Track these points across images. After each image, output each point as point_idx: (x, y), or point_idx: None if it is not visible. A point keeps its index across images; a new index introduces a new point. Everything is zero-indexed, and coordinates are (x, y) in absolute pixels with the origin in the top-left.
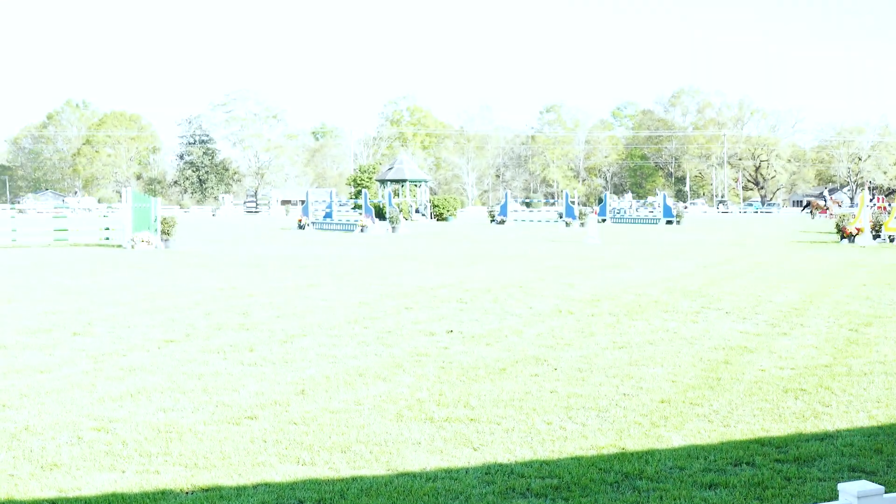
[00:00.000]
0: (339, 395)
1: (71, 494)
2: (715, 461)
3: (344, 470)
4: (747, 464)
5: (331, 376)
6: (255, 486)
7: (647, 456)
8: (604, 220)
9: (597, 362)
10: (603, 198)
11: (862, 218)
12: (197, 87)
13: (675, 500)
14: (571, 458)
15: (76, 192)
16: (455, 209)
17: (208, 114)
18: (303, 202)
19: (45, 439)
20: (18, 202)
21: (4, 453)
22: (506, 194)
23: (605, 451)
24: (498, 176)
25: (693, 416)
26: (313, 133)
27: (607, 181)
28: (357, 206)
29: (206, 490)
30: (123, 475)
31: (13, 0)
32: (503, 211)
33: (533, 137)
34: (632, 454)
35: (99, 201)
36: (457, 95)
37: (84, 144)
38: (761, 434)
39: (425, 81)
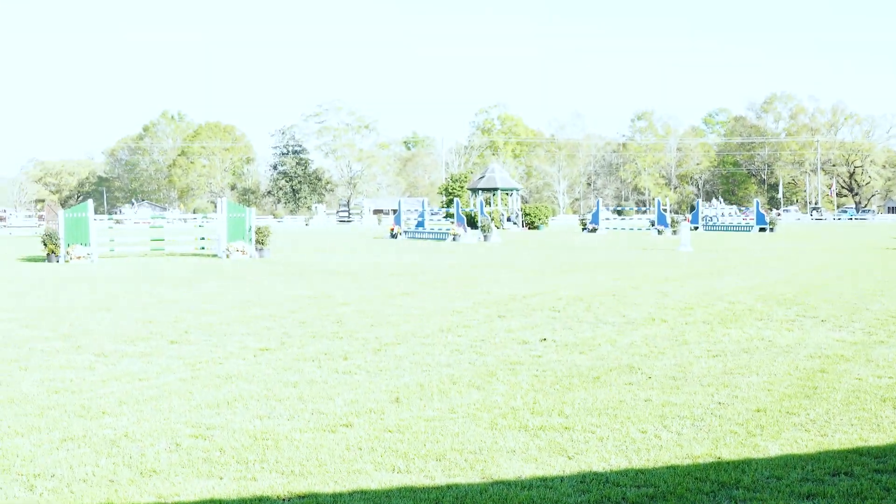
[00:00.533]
0: (434, 404)
1: (170, 500)
2: (812, 471)
3: (439, 478)
4: (845, 474)
5: (425, 384)
6: (351, 494)
7: (743, 465)
8: (696, 228)
9: (691, 371)
10: (695, 205)
11: None
12: (290, 98)
13: None
14: (667, 468)
15: (168, 205)
16: (546, 217)
17: (301, 124)
18: (395, 211)
19: (143, 446)
20: (116, 213)
21: (105, 459)
22: (597, 202)
23: (700, 461)
24: (589, 184)
25: (789, 426)
26: (405, 142)
27: (699, 188)
28: (449, 215)
29: (303, 497)
30: (221, 482)
31: (111, 15)
32: (595, 219)
33: (624, 145)
34: (728, 463)
35: (194, 212)
36: (548, 103)
37: (179, 156)
38: (859, 444)
39: (516, 90)
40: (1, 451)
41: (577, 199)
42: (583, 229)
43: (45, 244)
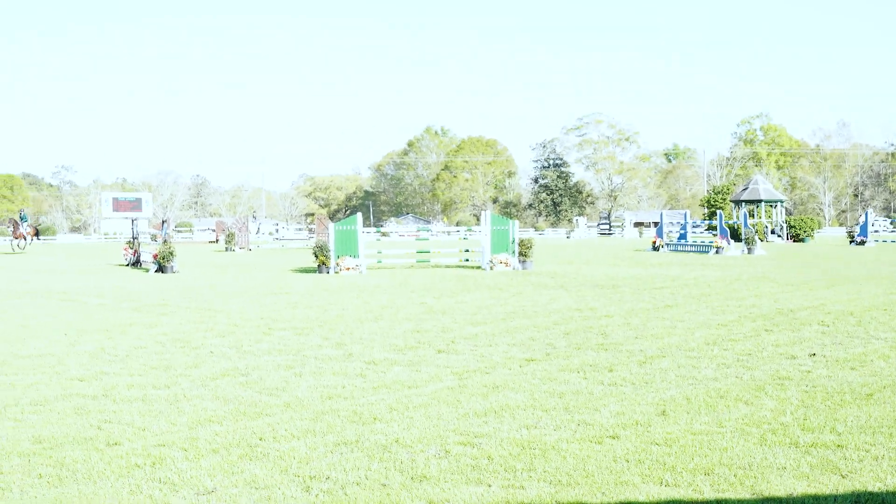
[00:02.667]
0: (701, 417)
1: None
2: None
3: (707, 492)
4: None
5: (691, 398)
6: None
7: None
8: None
9: None
10: None
11: None
12: (551, 111)
13: None
14: None
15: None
16: (812, 230)
17: (562, 137)
18: (656, 224)
19: (413, 452)
20: (382, 226)
21: (377, 463)
22: (866, 214)
23: None
24: (856, 195)
25: None
26: (665, 154)
27: None
28: (711, 228)
29: None
30: (490, 489)
31: (374, 34)
32: (863, 231)
33: (893, 154)
34: None
35: (457, 224)
36: (812, 113)
37: (443, 170)
38: None
39: (779, 100)
40: (279, 453)
41: (843, 211)
42: (850, 242)
43: (317, 256)
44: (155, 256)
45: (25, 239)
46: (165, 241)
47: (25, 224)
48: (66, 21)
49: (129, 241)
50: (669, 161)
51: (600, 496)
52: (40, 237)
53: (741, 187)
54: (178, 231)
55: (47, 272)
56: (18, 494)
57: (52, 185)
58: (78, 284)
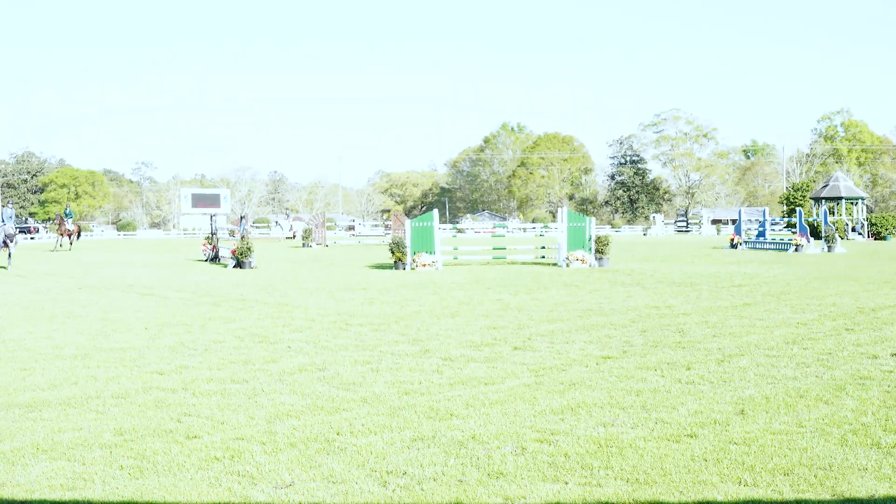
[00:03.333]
0: (780, 417)
1: (517, 503)
2: None
3: (787, 493)
4: None
5: (770, 397)
6: None
7: None
8: None
9: None
10: None
11: None
12: (627, 107)
13: None
14: None
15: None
16: (894, 227)
17: (638, 134)
18: (734, 221)
19: (490, 448)
20: (458, 222)
21: (453, 459)
22: None
23: None
24: None
25: None
26: (744, 151)
27: None
28: (790, 225)
29: None
30: (566, 486)
31: (473, 32)
32: None
33: None
34: None
35: (533, 221)
36: (894, 109)
37: (519, 166)
38: None
39: (860, 95)
40: (356, 447)
41: None
42: None
43: (393, 252)
44: (233, 252)
45: (70, 237)
46: (243, 237)
47: (70, 220)
48: (143, 21)
49: (208, 237)
50: (748, 157)
51: (678, 495)
52: (80, 236)
53: (821, 184)
54: (256, 227)
55: (127, 266)
56: (100, 485)
57: (132, 182)
58: (158, 279)
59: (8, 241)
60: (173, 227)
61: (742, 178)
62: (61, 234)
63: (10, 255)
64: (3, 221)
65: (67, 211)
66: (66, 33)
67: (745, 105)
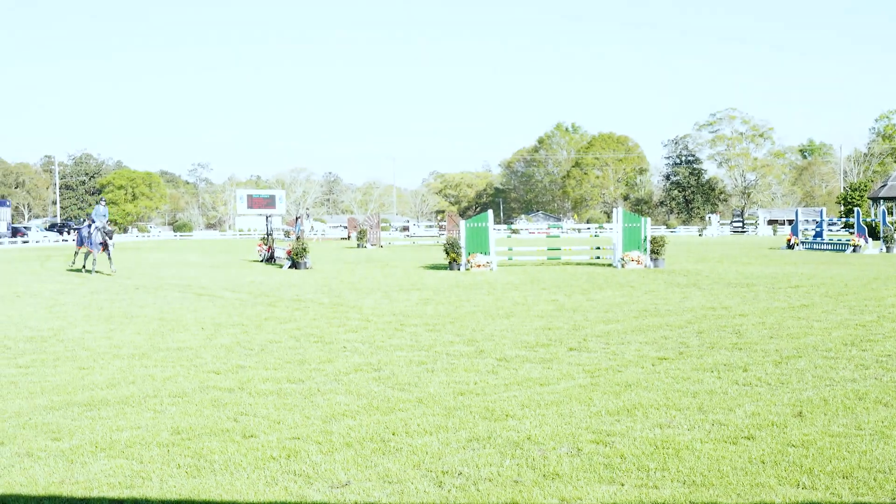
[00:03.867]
0: (838, 419)
1: None
2: None
3: (846, 496)
4: None
5: (828, 399)
6: None
7: None
8: None
9: None
10: None
11: None
12: (682, 107)
13: None
14: None
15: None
16: None
17: (694, 133)
18: (790, 221)
19: (546, 449)
20: (512, 223)
21: (509, 460)
22: None
23: None
24: None
25: None
26: (800, 150)
27: None
28: (848, 226)
29: None
30: (622, 488)
31: (499, 32)
32: None
33: None
34: None
35: (588, 222)
36: None
37: (573, 167)
38: None
39: None
40: (411, 447)
41: None
42: None
43: (448, 253)
44: (289, 252)
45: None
46: (299, 238)
47: (106, 222)
48: (201, 26)
49: (264, 238)
50: (804, 157)
51: (735, 497)
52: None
53: (879, 184)
54: (312, 227)
55: (184, 267)
56: (158, 483)
57: (188, 183)
58: (214, 280)
59: (107, 238)
60: (229, 227)
61: (799, 178)
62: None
63: (109, 258)
64: (93, 221)
65: (102, 210)
66: (124, 37)
67: (802, 104)
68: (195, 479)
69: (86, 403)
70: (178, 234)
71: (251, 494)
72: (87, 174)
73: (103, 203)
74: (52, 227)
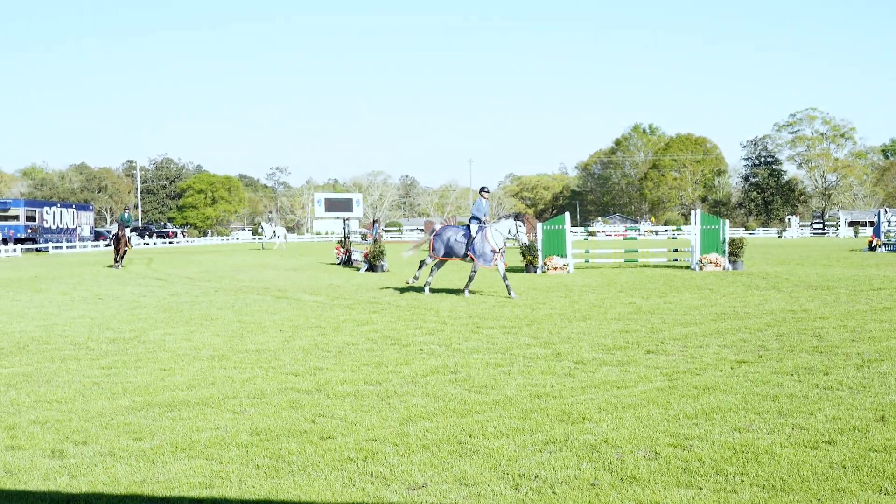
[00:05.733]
0: None
1: None
2: None
3: None
4: None
5: None
6: None
7: None
8: None
9: None
10: None
11: None
12: (761, 107)
13: None
14: None
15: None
16: None
17: (773, 134)
18: (872, 223)
19: (623, 452)
20: (589, 225)
21: (586, 463)
22: None
23: None
24: None
25: None
26: (882, 150)
27: None
28: None
29: None
30: (700, 492)
31: (593, 34)
32: None
33: None
34: None
35: (665, 224)
36: None
37: (650, 169)
38: None
39: None
40: (488, 450)
41: None
42: None
43: (524, 255)
44: (366, 255)
45: (126, 248)
46: (376, 241)
47: (128, 229)
48: (280, 35)
49: (341, 241)
50: (887, 157)
51: (815, 503)
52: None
53: None
54: (388, 231)
55: (262, 269)
56: (237, 484)
57: (266, 187)
58: (292, 282)
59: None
60: (307, 230)
61: (881, 179)
62: (117, 251)
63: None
64: (126, 224)
65: (126, 216)
66: (207, 43)
67: (885, 103)
68: (273, 479)
69: (166, 404)
70: (257, 237)
71: (328, 495)
72: (167, 178)
73: (127, 211)
74: (133, 231)
